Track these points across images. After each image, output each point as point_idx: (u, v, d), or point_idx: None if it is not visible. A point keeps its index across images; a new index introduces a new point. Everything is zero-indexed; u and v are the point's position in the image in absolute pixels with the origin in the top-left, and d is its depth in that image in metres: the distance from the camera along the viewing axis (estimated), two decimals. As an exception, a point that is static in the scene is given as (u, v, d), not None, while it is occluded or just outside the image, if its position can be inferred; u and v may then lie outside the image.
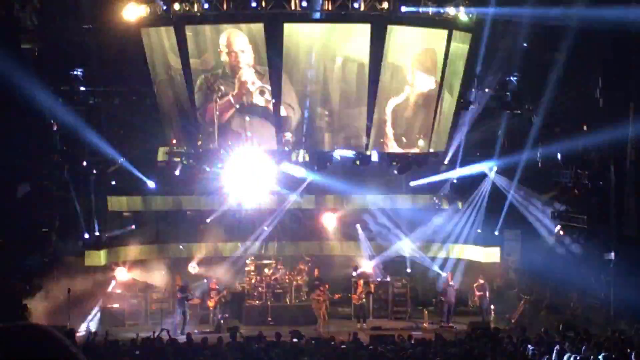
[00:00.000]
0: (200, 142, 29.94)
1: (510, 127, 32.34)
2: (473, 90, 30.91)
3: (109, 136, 31.38)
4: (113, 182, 32.34)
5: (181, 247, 33.69)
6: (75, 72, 29.77)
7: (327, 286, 30.59)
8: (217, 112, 29.57)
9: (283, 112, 29.61)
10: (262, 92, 29.96)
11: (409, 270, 33.93)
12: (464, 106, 30.88)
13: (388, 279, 33.07)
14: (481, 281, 31.59)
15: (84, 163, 30.92)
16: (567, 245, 31.69)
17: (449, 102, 29.74)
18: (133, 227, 33.35)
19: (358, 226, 34.98)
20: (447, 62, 28.64)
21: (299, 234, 35.07)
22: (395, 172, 31.35)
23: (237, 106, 29.80)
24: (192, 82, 28.88)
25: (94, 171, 31.59)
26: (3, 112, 27.30)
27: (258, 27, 28.56)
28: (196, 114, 29.44)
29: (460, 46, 29.01)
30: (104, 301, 30.78)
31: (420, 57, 29.05)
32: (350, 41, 28.69)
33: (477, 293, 31.44)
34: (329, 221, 35.05)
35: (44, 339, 2.15)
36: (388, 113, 29.49)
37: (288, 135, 29.97)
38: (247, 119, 29.99)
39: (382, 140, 29.84)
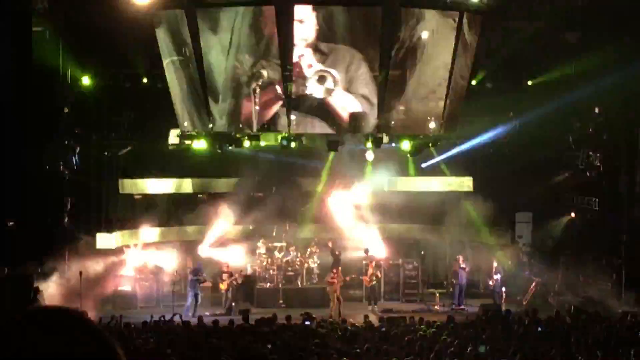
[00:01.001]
0: (211, 125, 28.39)
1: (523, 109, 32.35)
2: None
3: (121, 119, 31.41)
4: (125, 165, 32.42)
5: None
6: (85, 55, 29.69)
7: (339, 269, 30.57)
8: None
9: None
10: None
11: (422, 252, 33.99)
12: (476, 87, 30.70)
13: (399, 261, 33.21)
14: (495, 264, 31.59)
15: (96, 146, 30.98)
16: (578, 226, 31.71)
17: (461, 83, 29.28)
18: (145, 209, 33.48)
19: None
20: (459, 44, 28.20)
21: (311, 216, 35.09)
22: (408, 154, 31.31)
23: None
24: (205, 65, 26.77)
25: (106, 153, 31.66)
26: (14, 94, 27.32)
27: None
28: (207, 98, 27.50)
29: (473, 23, 28.43)
30: (116, 284, 30.86)
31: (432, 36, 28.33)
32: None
33: (494, 277, 31.39)
34: (342, 204, 35.07)
35: (76, 322, 2.16)
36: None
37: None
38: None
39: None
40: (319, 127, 27.81)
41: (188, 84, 28.20)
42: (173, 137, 31.26)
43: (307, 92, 26.80)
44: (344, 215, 34.66)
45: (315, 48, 26.40)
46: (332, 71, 26.54)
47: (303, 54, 26.39)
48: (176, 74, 28.33)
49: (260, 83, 26.63)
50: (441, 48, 27.93)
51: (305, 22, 26.08)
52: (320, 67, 26.45)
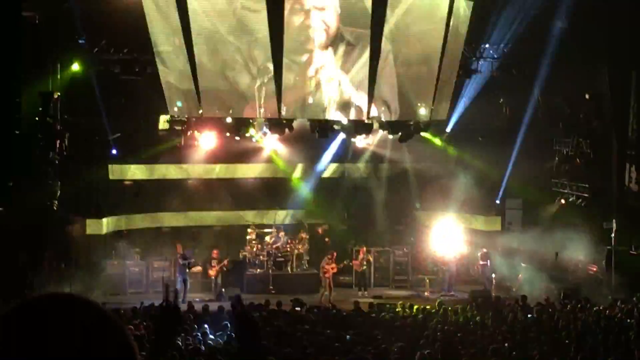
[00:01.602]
0: (201, 111, 28.72)
1: (514, 96, 32.37)
2: (476, 58, 30.65)
3: (111, 104, 31.27)
4: (114, 151, 32.26)
5: None
6: (75, 40, 29.45)
7: (334, 254, 30.49)
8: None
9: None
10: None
11: (412, 238, 34.03)
12: (467, 74, 30.57)
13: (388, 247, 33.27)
14: (484, 250, 31.62)
15: (85, 131, 30.79)
16: (569, 214, 31.74)
17: (451, 69, 29.18)
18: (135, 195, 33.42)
19: None
20: (450, 27, 27.97)
21: (299, 202, 35.09)
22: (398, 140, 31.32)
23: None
24: (197, 51, 26.60)
25: (97, 138, 31.47)
26: (3, 79, 27.18)
27: None
28: (198, 82, 27.36)
29: (463, 8, 28.30)
30: (106, 269, 30.80)
31: (423, 21, 28.17)
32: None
33: (481, 262, 31.44)
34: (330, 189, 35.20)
35: (85, 306, 2.11)
36: None
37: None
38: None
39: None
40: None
41: (178, 71, 27.94)
42: (162, 122, 31.11)
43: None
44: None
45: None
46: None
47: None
48: (167, 60, 28.11)
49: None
50: (432, 32, 27.83)
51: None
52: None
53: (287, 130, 29.45)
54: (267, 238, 32.35)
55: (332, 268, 29.75)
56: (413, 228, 34.80)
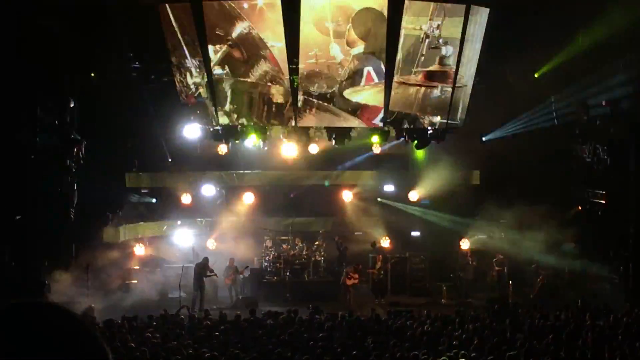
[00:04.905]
0: (214, 122, 27.75)
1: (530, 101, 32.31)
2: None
3: (127, 111, 31.35)
4: (132, 158, 32.40)
5: None
6: (93, 47, 29.43)
7: (360, 267, 30.66)
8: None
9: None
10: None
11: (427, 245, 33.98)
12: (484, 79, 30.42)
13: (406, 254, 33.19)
14: (500, 256, 31.52)
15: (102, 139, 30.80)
16: (586, 220, 31.64)
17: (468, 74, 28.86)
18: (154, 200, 33.49)
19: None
20: (466, 33, 27.59)
21: (316, 209, 35.10)
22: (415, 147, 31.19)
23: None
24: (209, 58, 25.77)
25: (114, 146, 31.49)
26: (20, 89, 27.30)
27: None
28: (215, 94, 26.45)
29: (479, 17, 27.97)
30: (123, 277, 30.85)
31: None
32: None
33: (496, 268, 31.36)
34: (347, 197, 35.16)
35: (58, 316, 2.13)
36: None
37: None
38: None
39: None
40: (329, 121, 27.69)
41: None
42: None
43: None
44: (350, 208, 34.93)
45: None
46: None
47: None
48: (186, 73, 28.00)
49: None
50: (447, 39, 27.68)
51: None
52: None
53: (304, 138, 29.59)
54: (284, 245, 32.38)
55: (356, 278, 29.83)
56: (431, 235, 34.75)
